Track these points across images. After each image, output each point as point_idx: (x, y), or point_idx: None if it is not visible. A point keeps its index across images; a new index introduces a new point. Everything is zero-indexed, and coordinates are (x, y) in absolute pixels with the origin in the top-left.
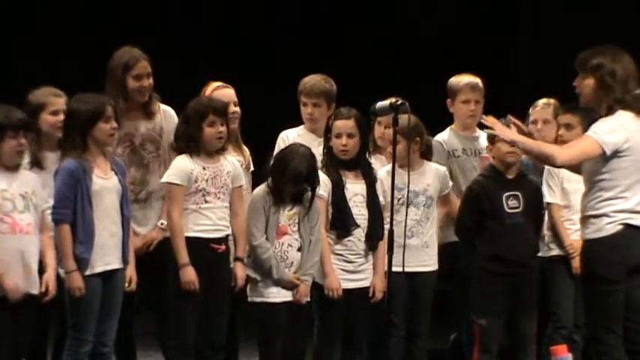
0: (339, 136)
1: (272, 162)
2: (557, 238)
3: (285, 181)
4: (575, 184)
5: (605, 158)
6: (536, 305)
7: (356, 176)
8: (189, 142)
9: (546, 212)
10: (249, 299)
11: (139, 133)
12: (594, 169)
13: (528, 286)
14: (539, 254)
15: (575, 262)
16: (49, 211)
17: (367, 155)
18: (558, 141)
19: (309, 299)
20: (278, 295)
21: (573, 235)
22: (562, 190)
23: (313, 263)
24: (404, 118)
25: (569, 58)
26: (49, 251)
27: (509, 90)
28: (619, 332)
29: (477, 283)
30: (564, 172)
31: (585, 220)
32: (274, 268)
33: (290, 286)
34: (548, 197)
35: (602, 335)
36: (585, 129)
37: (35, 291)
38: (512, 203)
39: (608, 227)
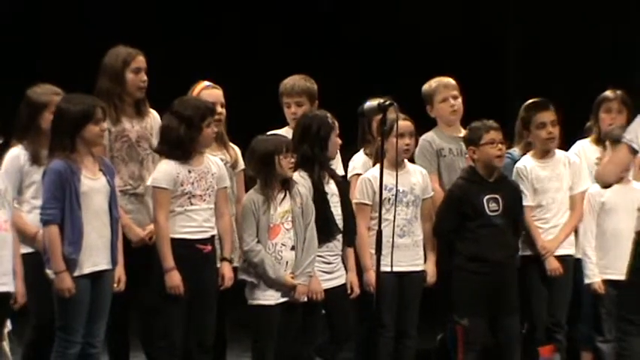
0: (337, 135)
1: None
2: (530, 239)
3: (259, 166)
4: (546, 182)
5: None
6: (518, 305)
7: (327, 177)
8: (181, 144)
9: None
10: (249, 302)
11: (134, 130)
12: None
13: (509, 285)
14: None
15: (549, 264)
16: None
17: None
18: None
19: (306, 299)
20: (272, 297)
21: (545, 234)
22: (534, 191)
23: (310, 262)
24: (392, 118)
25: (556, 59)
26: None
27: (497, 91)
28: None
29: (457, 284)
30: (534, 172)
31: None
32: (270, 270)
33: (287, 287)
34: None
35: (624, 326)
36: None
37: (9, 289)
38: (492, 206)
39: None
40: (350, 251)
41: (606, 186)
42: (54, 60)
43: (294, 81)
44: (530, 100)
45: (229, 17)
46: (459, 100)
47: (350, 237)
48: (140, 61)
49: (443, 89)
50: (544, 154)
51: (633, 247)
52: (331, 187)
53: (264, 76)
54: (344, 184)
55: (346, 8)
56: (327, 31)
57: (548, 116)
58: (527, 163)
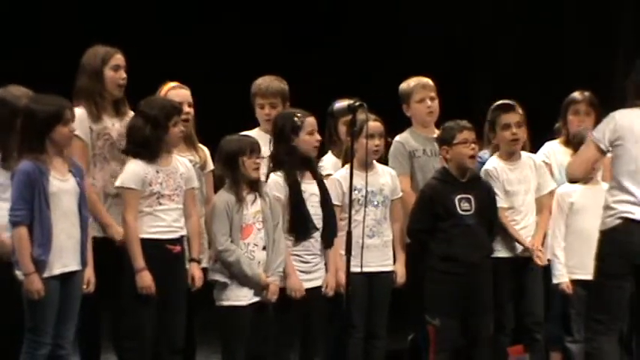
0: (312, 132)
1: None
2: (505, 240)
3: (224, 166)
4: (516, 185)
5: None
6: (491, 305)
7: (308, 176)
8: (148, 144)
9: None
10: (217, 304)
11: (115, 129)
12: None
13: (482, 286)
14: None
15: (542, 260)
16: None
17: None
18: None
19: (275, 299)
20: (244, 297)
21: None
22: (505, 193)
23: (280, 262)
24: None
25: (525, 60)
26: None
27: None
28: (610, 325)
29: (430, 284)
30: (504, 174)
31: None
32: (246, 268)
33: (259, 286)
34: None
35: (593, 326)
36: None
37: None
38: (464, 206)
39: (607, 221)
40: (330, 252)
41: (573, 180)
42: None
43: (268, 82)
44: (498, 102)
45: (200, 17)
46: (436, 102)
47: (329, 238)
48: (119, 59)
49: (421, 89)
50: (509, 155)
51: (598, 246)
52: (311, 187)
53: (237, 76)
54: (323, 187)
55: (318, 7)
56: (300, 30)
57: (513, 118)
58: (496, 165)
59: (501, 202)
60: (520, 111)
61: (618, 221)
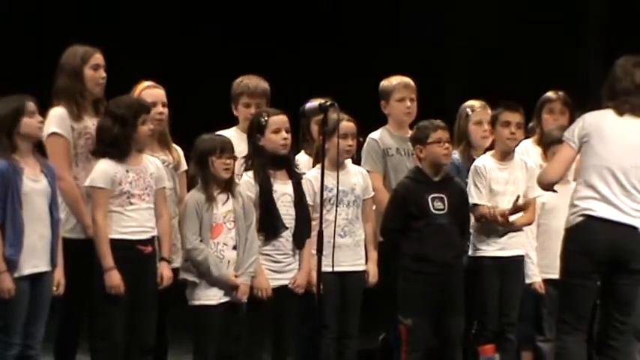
0: (278, 131)
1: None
2: (490, 240)
3: (196, 165)
4: (503, 185)
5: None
6: (463, 305)
7: (283, 176)
8: (117, 143)
9: (473, 213)
10: (189, 303)
11: (95, 129)
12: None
13: (454, 286)
14: (468, 254)
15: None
16: None
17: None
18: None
19: (246, 300)
20: (214, 297)
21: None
22: (490, 192)
23: (252, 262)
24: (333, 118)
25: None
26: None
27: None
28: (575, 324)
29: (402, 284)
30: (493, 173)
31: None
32: (213, 268)
33: (228, 285)
34: (475, 198)
35: (559, 325)
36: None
37: None
38: (437, 205)
39: (570, 218)
40: (303, 252)
41: (550, 187)
42: None
43: (255, 82)
44: (503, 101)
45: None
46: (415, 103)
47: (300, 238)
48: (98, 58)
49: (402, 89)
50: (503, 155)
51: (562, 245)
52: (284, 187)
53: (211, 75)
54: (299, 188)
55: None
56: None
57: (514, 117)
58: (487, 163)
59: (483, 200)
60: (522, 114)
61: (580, 219)
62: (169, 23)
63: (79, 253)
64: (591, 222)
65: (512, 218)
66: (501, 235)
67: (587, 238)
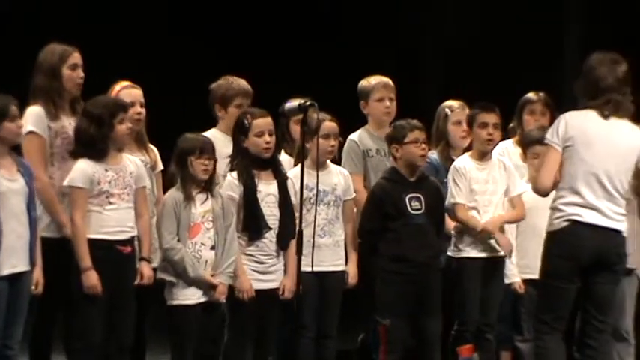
0: (261, 134)
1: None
2: (473, 240)
3: (176, 164)
4: (482, 184)
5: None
6: (440, 305)
7: (268, 176)
8: (94, 143)
9: (453, 212)
10: (167, 303)
11: (72, 128)
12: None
13: (431, 286)
14: (449, 253)
15: (500, 240)
16: None
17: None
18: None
19: (224, 300)
20: (192, 296)
21: None
22: (470, 192)
23: (230, 262)
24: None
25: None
26: None
27: (417, 90)
28: (553, 324)
29: (380, 284)
30: (472, 173)
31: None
32: (189, 268)
33: (206, 285)
34: (456, 197)
35: (538, 326)
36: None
37: None
38: (415, 205)
39: (555, 222)
40: (288, 254)
41: (546, 194)
42: None
43: (244, 83)
44: (479, 102)
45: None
46: (394, 103)
47: (284, 240)
48: (76, 57)
49: (381, 88)
50: (481, 155)
51: (545, 247)
52: (269, 187)
53: (189, 76)
54: (283, 188)
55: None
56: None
57: (491, 118)
58: (466, 164)
59: (462, 199)
60: (499, 114)
61: (566, 223)
62: (150, 23)
63: (53, 252)
64: (577, 227)
65: (505, 218)
66: (482, 236)
67: (574, 243)
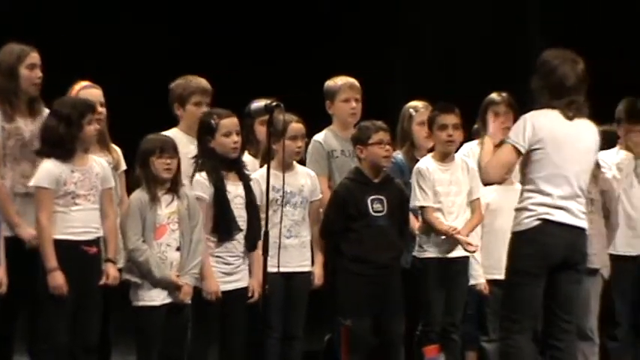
0: (228, 134)
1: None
2: (435, 241)
3: (140, 164)
4: (447, 186)
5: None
6: (403, 305)
7: (234, 177)
8: (62, 143)
9: (419, 215)
10: (132, 304)
11: (28, 129)
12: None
13: (393, 286)
14: (413, 254)
15: (464, 242)
16: None
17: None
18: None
19: (189, 301)
20: (157, 298)
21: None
22: (434, 193)
23: (196, 263)
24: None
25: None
26: None
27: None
28: (524, 324)
29: (342, 285)
30: (435, 174)
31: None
32: (155, 269)
33: (171, 286)
34: (421, 201)
35: (508, 325)
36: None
37: None
38: (376, 207)
39: (525, 222)
40: (255, 256)
41: (490, 183)
42: None
43: (204, 81)
44: (439, 103)
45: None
46: (360, 104)
47: (252, 241)
48: (34, 57)
49: (347, 89)
50: (444, 156)
51: (512, 247)
52: (236, 188)
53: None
54: (249, 189)
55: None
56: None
57: (450, 119)
58: (429, 165)
59: (429, 202)
60: (458, 114)
61: (537, 222)
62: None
63: (7, 251)
64: (548, 226)
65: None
66: (447, 237)
67: (545, 242)
